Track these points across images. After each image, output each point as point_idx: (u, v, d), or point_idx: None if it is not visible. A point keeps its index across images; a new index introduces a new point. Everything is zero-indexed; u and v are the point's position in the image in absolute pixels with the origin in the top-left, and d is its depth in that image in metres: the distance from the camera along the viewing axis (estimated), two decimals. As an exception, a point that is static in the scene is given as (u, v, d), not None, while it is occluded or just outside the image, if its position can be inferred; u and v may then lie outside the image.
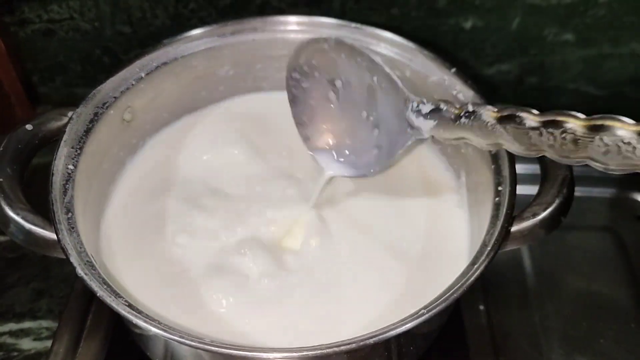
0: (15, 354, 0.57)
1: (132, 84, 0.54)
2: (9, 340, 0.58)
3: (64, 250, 0.43)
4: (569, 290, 0.62)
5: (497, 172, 0.49)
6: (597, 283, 0.63)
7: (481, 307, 0.59)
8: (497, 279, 0.62)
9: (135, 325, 0.41)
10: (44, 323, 0.59)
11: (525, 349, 0.58)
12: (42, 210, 0.46)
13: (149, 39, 0.66)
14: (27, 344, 0.58)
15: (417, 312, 0.41)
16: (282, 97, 0.56)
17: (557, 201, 0.47)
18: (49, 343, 0.56)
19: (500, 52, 0.68)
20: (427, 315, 0.41)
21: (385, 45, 0.57)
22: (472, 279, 0.43)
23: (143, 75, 0.55)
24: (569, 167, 0.48)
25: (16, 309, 0.60)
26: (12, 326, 0.59)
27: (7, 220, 0.45)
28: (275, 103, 0.62)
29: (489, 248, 0.44)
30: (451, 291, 0.42)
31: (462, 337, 0.57)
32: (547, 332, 0.59)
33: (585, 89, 0.71)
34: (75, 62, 0.70)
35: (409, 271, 0.52)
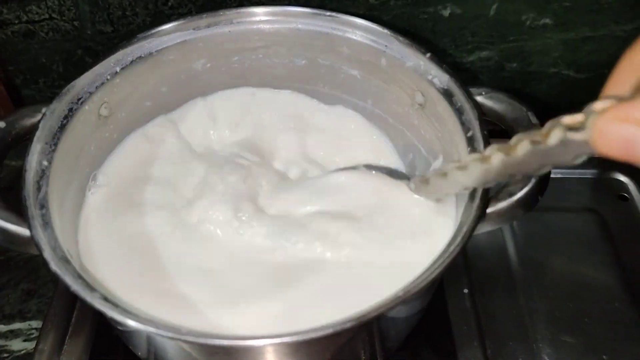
0: (6, 355, 0.58)
1: (107, 79, 0.54)
2: (-1, 342, 0.58)
3: (37, 246, 0.43)
4: (553, 271, 0.62)
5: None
6: (581, 264, 0.63)
7: (465, 291, 0.59)
8: (480, 263, 0.62)
9: (113, 320, 0.40)
10: (34, 323, 0.60)
11: (511, 331, 0.58)
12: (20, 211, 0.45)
13: (130, 37, 0.66)
14: (17, 344, 0.58)
15: (394, 295, 0.41)
16: (260, 90, 0.55)
17: (533, 180, 0.47)
18: (39, 344, 0.56)
19: (479, 39, 0.68)
20: (403, 297, 0.41)
21: (360, 32, 0.57)
22: (449, 259, 0.43)
23: (118, 69, 0.55)
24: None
25: (5, 310, 0.61)
26: (1, 328, 0.59)
27: (-18, 218, 0.45)
28: (253, 97, 0.62)
29: (465, 228, 0.44)
30: (428, 272, 0.42)
31: (446, 322, 0.57)
32: (533, 314, 0.59)
33: (566, 73, 0.71)
34: (57, 63, 0.70)
35: (390, 254, 0.52)
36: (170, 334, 0.39)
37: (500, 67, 0.71)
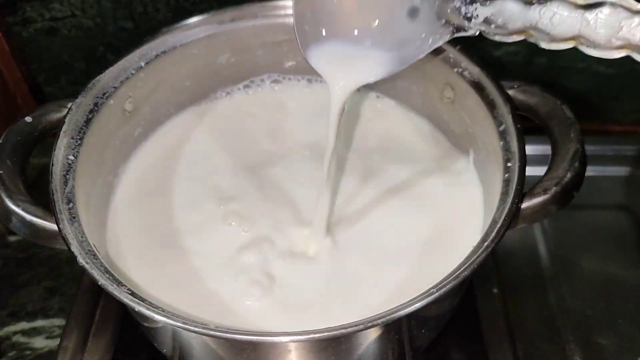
0: (28, 352, 0.57)
1: (132, 74, 0.54)
2: (22, 339, 0.58)
3: (64, 240, 0.42)
4: (584, 270, 0.61)
5: (506, 149, 0.48)
6: (613, 262, 0.61)
7: (495, 291, 0.58)
8: (510, 262, 0.61)
9: (140, 314, 0.40)
10: (56, 321, 0.59)
11: (542, 332, 0.57)
12: (46, 206, 0.45)
13: (152, 33, 0.66)
14: (39, 342, 0.58)
15: (427, 291, 0.40)
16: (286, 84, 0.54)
17: (568, 175, 0.45)
18: (61, 341, 0.56)
19: None
20: (437, 294, 0.40)
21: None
22: (482, 256, 0.41)
23: (142, 64, 0.54)
24: (580, 140, 0.47)
25: (28, 308, 0.61)
26: (24, 325, 0.59)
27: (9, 212, 0.45)
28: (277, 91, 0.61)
29: (499, 225, 0.43)
30: (461, 269, 0.41)
31: (476, 322, 0.56)
32: (564, 314, 0.58)
33: (596, 68, 0.69)
34: (79, 60, 0.70)
35: (421, 254, 0.51)
36: (198, 329, 0.39)
37: (528, 62, 0.69)
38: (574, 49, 0.67)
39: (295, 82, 0.63)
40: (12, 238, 0.65)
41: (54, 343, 0.57)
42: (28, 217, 0.44)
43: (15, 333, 0.59)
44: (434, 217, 0.53)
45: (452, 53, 0.54)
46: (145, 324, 0.49)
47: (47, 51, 0.69)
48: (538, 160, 0.53)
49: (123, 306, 0.55)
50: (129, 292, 0.40)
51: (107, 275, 0.41)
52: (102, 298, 0.57)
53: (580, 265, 0.61)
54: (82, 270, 0.54)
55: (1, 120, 0.48)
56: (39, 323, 0.59)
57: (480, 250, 0.42)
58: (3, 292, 0.61)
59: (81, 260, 0.41)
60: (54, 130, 0.49)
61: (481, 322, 0.56)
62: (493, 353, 0.54)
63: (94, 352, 0.54)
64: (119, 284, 0.41)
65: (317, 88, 0.63)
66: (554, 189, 0.45)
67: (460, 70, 0.53)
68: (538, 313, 0.58)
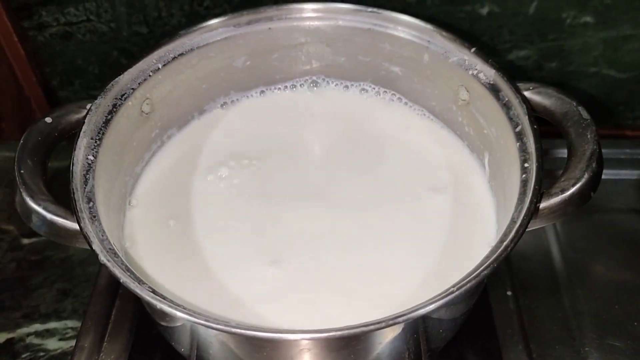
0: (42, 354, 0.58)
1: (150, 75, 0.54)
2: (35, 340, 0.58)
3: (86, 238, 0.42)
4: (598, 273, 0.61)
5: (523, 150, 0.48)
6: (627, 265, 0.61)
7: (509, 293, 0.58)
8: (523, 265, 0.61)
9: (159, 312, 0.40)
10: (69, 323, 0.60)
11: (556, 334, 0.57)
12: (66, 205, 0.46)
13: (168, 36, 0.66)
14: (53, 344, 0.58)
15: (446, 290, 0.40)
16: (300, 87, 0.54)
17: (586, 176, 0.45)
18: (74, 342, 0.56)
19: (518, 38, 0.67)
20: (456, 293, 0.40)
21: (403, 28, 0.57)
22: (503, 255, 0.42)
23: (160, 66, 0.55)
24: (597, 141, 0.47)
25: (41, 309, 0.61)
26: (37, 327, 0.59)
27: (29, 211, 0.45)
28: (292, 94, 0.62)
29: (517, 224, 0.43)
30: (480, 268, 0.41)
31: (490, 324, 0.56)
32: (578, 316, 0.58)
33: (607, 72, 0.70)
34: (93, 64, 0.71)
35: (436, 254, 0.51)
36: (220, 327, 0.39)
37: (538, 67, 0.70)
38: (584, 54, 0.68)
39: (311, 85, 0.64)
40: (25, 240, 0.66)
41: (67, 345, 0.58)
42: (49, 216, 0.45)
43: (28, 335, 0.59)
44: (447, 222, 0.53)
45: (467, 56, 0.54)
46: (163, 323, 0.49)
47: (62, 55, 0.70)
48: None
49: (139, 306, 0.55)
50: (151, 290, 0.40)
51: (129, 274, 0.41)
52: (119, 298, 0.58)
53: (594, 268, 0.61)
54: (98, 271, 0.55)
55: (16, 123, 0.49)
56: (52, 325, 0.59)
57: (500, 250, 0.42)
58: (16, 294, 0.62)
59: (103, 258, 0.41)
60: (73, 131, 0.50)
61: (496, 325, 0.56)
62: (508, 355, 0.54)
63: (110, 352, 0.55)
64: (140, 282, 0.41)
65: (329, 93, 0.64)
66: (571, 189, 0.45)
67: (475, 72, 0.54)
68: (552, 315, 0.58)
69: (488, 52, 0.67)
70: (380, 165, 0.58)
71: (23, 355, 0.57)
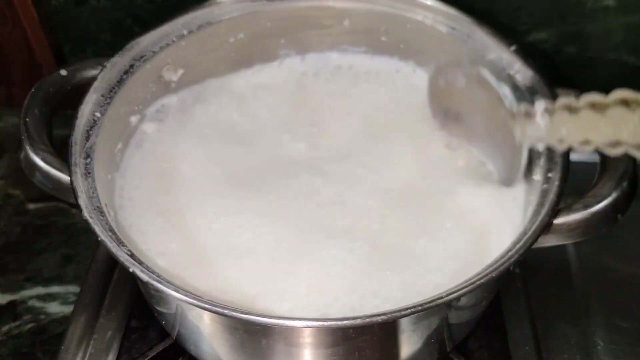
0: (43, 317, 0.58)
1: (173, 41, 0.53)
2: (37, 304, 0.59)
3: (74, 192, 0.42)
4: (614, 273, 0.58)
5: (549, 158, 0.45)
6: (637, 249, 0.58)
7: (520, 293, 0.56)
8: (537, 264, 0.57)
9: (135, 276, 0.38)
10: (71, 288, 0.60)
11: (569, 336, 0.54)
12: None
13: (181, 6, 0.64)
14: (54, 307, 0.59)
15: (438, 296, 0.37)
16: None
17: (613, 194, 0.41)
18: (76, 307, 0.56)
19: (536, 20, 0.63)
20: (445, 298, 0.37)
21: (442, 18, 0.54)
22: (504, 267, 0.38)
23: (185, 32, 0.53)
24: (632, 160, 0.42)
25: (44, 273, 0.61)
26: (40, 290, 0.60)
27: (29, 161, 0.45)
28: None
29: (526, 236, 0.40)
30: (492, 267, 0.39)
31: (501, 324, 0.53)
32: (592, 319, 0.55)
33: (627, 60, 0.65)
34: (105, 31, 0.68)
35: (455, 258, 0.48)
36: (195, 302, 0.37)
37: (557, 51, 0.65)
38: (604, 40, 0.62)
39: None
40: (31, 206, 0.66)
41: (68, 309, 0.58)
42: (45, 167, 0.44)
43: (31, 297, 0.59)
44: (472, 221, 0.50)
45: (506, 54, 0.51)
46: (153, 293, 0.47)
47: (75, 21, 0.68)
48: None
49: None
50: (129, 253, 0.39)
51: (110, 234, 0.40)
52: (118, 268, 0.57)
53: (611, 268, 0.59)
54: (99, 244, 0.53)
55: (26, 89, 0.48)
56: (55, 289, 0.60)
57: (503, 260, 0.39)
58: (20, 257, 0.62)
59: (86, 214, 0.40)
60: (87, 87, 0.49)
61: (506, 325, 0.53)
62: (512, 330, 0.53)
63: (107, 320, 0.54)
64: (120, 243, 0.40)
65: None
66: (595, 207, 0.41)
67: (512, 72, 0.50)
68: (565, 316, 0.56)
69: (506, 33, 0.64)
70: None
71: (24, 317, 0.58)
